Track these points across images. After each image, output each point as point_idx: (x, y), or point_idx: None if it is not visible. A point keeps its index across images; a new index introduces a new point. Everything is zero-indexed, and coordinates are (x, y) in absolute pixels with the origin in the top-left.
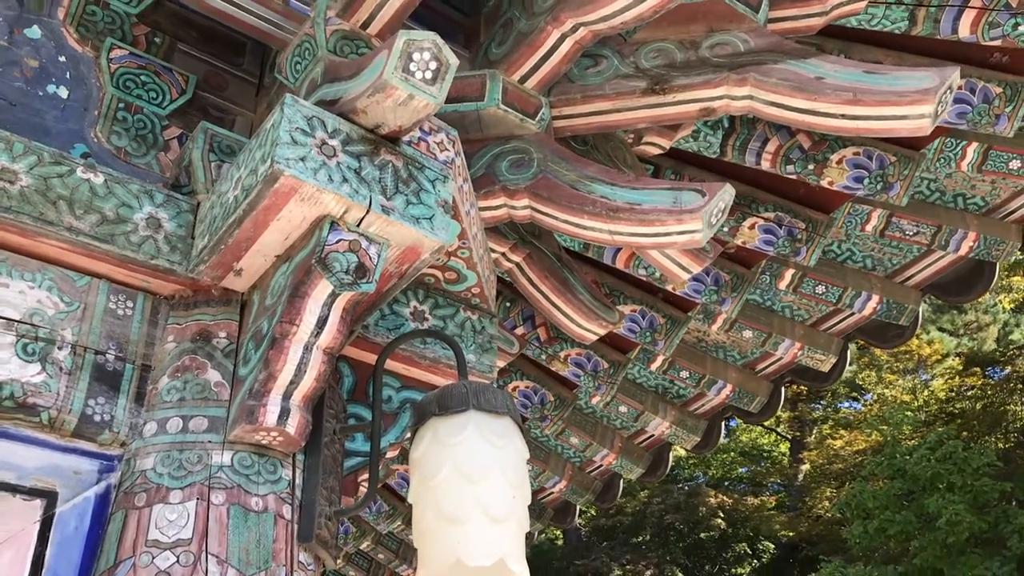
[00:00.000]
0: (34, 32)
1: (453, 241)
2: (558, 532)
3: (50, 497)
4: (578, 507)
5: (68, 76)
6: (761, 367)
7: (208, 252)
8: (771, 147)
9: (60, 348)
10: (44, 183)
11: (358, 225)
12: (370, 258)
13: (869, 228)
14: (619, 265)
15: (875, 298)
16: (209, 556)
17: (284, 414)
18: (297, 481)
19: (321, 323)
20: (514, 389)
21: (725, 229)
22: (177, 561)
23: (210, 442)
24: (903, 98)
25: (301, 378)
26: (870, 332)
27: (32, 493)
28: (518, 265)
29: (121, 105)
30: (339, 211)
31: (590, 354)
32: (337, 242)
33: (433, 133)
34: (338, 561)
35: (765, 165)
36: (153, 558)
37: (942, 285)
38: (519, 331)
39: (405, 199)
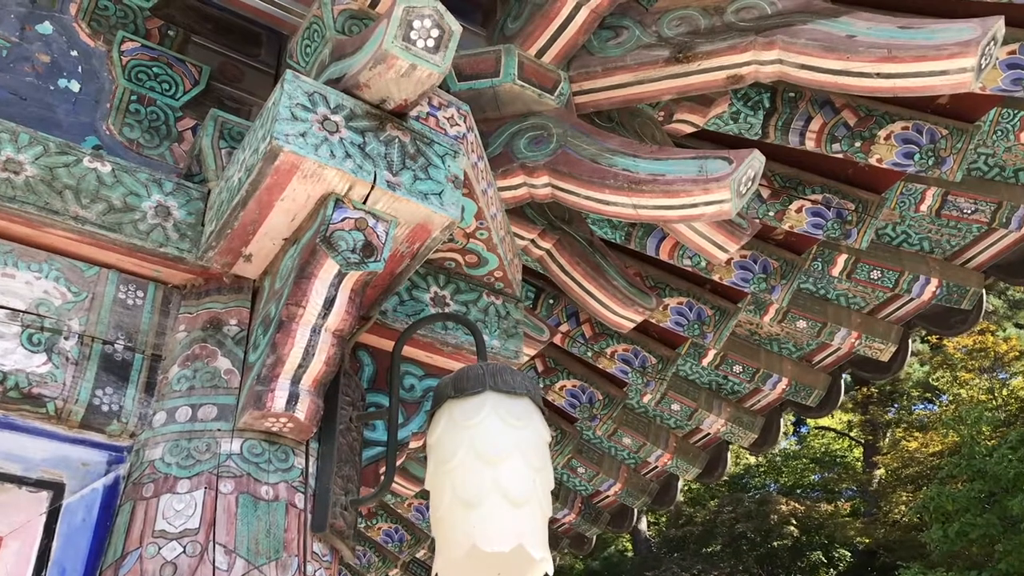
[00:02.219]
0: (45, 28)
1: (469, 222)
2: (628, 544)
3: (57, 489)
4: (639, 514)
5: (80, 70)
6: (818, 359)
7: (215, 237)
8: (815, 125)
9: (67, 338)
10: (50, 173)
11: (364, 202)
12: (377, 236)
13: (924, 208)
14: (663, 256)
15: (934, 282)
16: (216, 546)
17: (293, 399)
18: (311, 470)
19: (328, 304)
20: (561, 388)
21: (771, 214)
22: (184, 551)
23: (219, 430)
24: (941, 52)
25: (310, 361)
26: (932, 319)
27: (39, 485)
28: (548, 252)
29: (134, 98)
30: (343, 188)
31: (637, 350)
32: (342, 220)
33: (443, 108)
34: (393, 571)
35: (810, 145)
36: (160, 549)
37: (1006, 266)
38: (563, 328)
39: (412, 174)
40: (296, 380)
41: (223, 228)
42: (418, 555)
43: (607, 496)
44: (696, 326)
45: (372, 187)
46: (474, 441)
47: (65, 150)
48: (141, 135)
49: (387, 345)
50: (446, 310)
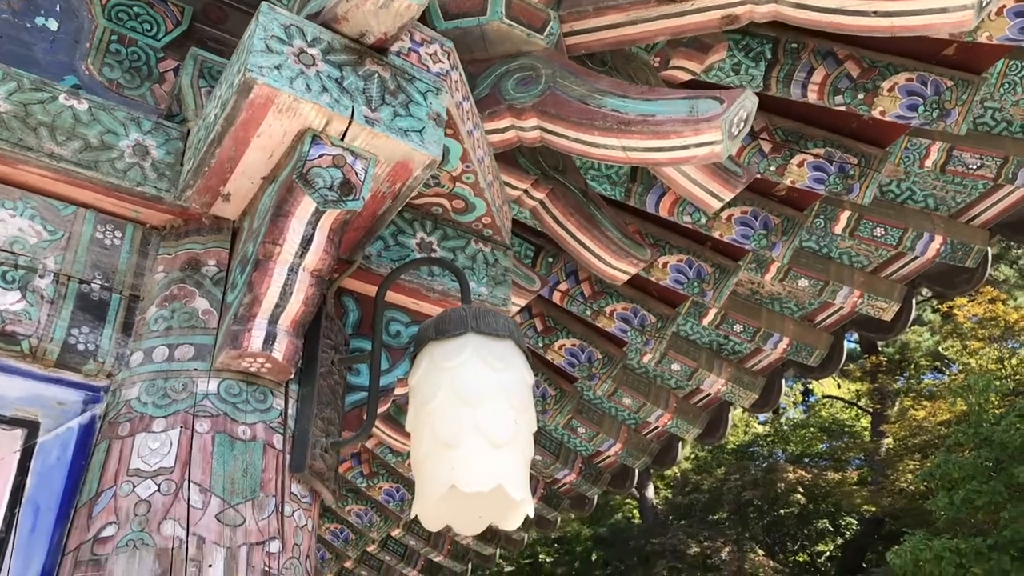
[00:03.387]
0: None
1: (455, 165)
2: (635, 511)
3: (31, 427)
4: (646, 480)
5: (58, 8)
6: (820, 318)
7: (193, 175)
8: (817, 77)
9: (42, 276)
10: (24, 109)
11: (342, 139)
12: (356, 174)
13: (928, 163)
14: (662, 212)
15: (938, 239)
16: (192, 485)
17: (270, 339)
18: (290, 411)
19: (306, 243)
20: (560, 347)
21: (772, 168)
22: (158, 490)
23: (196, 370)
24: None
25: (287, 301)
26: (936, 278)
27: (12, 423)
28: (541, 202)
29: (114, 37)
30: (320, 123)
31: (636, 308)
32: (319, 157)
33: (425, 44)
34: (395, 530)
35: (812, 97)
36: (134, 487)
37: (1012, 224)
38: (562, 286)
39: (392, 111)
40: (273, 320)
41: (200, 166)
42: (393, 534)
43: (607, 456)
44: (696, 284)
45: (350, 122)
46: (454, 382)
47: (40, 86)
48: (121, 75)
49: (372, 291)
50: (433, 256)
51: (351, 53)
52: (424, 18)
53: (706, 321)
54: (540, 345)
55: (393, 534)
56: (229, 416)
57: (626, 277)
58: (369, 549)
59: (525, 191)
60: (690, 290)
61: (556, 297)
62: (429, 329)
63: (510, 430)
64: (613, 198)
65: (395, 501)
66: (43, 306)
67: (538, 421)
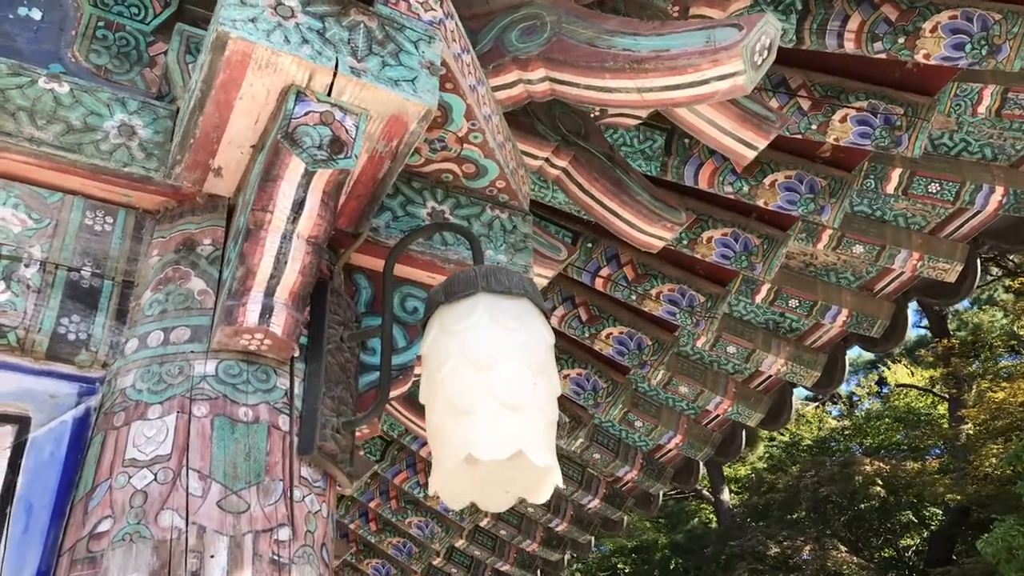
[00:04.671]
0: None
1: (459, 123)
2: (711, 515)
3: (22, 422)
4: (720, 483)
5: None
6: (879, 286)
7: (179, 149)
8: (853, 24)
9: (27, 266)
10: (1, 95)
11: (328, 94)
12: (346, 130)
13: (982, 109)
14: (702, 184)
15: (999, 191)
16: (190, 471)
17: (267, 312)
18: (296, 391)
19: (298, 207)
20: (607, 336)
21: (814, 127)
22: (155, 479)
23: (192, 352)
24: None
25: (282, 271)
26: (1000, 233)
27: (2, 419)
28: (564, 170)
29: (100, 23)
30: (303, 78)
31: (684, 289)
32: (306, 114)
33: None
34: (458, 541)
35: (849, 47)
36: (130, 478)
37: None
38: (604, 272)
39: (381, 60)
40: (269, 292)
41: (185, 137)
42: (481, 523)
43: (668, 450)
44: (744, 257)
45: (335, 75)
46: (465, 345)
47: (18, 71)
48: (109, 61)
49: (375, 265)
50: (441, 223)
51: (333, 3)
52: None
53: (759, 298)
54: (586, 335)
55: (457, 544)
56: (229, 398)
57: (661, 243)
58: (435, 562)
59: (546, 159)
60: (738, 264)
61: (598, 284)
62: (438, 293)
63: (528, 392)
64: (650, 174)
65: (454, 512)
66: (29, 296)
67: (592, 417)
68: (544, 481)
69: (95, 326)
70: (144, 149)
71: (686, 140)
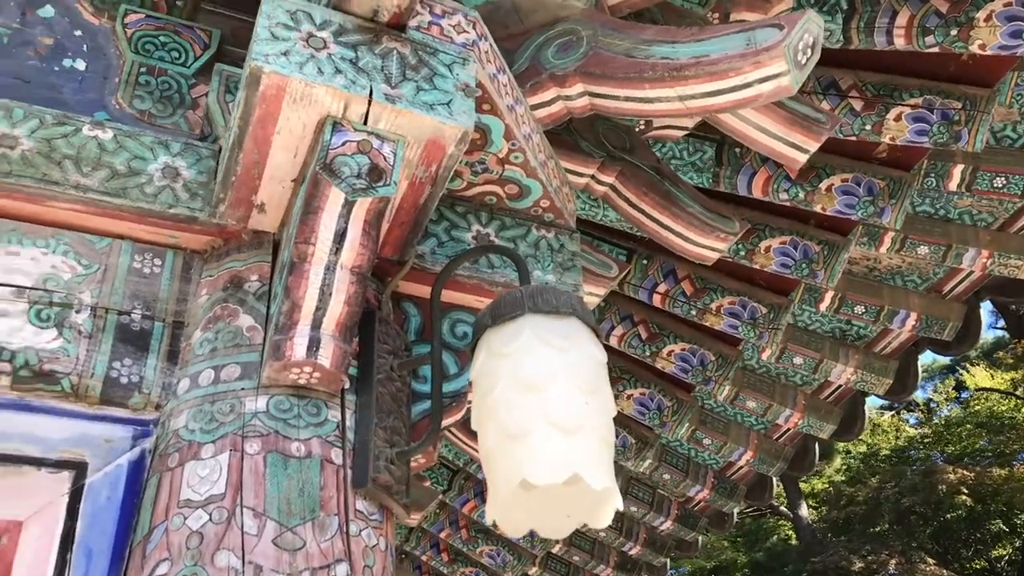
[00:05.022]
0: (47, 11)
1: (499, 145)
2: (790, 532)
3: (79, 468)
4: (799, 499)
5: (84, 49)
6: (948, 288)
7: (221, 187)
8: (902, 20)
9: (78, 311)
10: (47, 145)
11: (364, 123)
12: (384, 158)
13: None
14: (756, 192)
15: None
16: (244, 510)
17: (314, 345)
18: (348, 423)
19: (339, 238)
20: (669, 354)
21: (868, 127)
22: (210, 519)
23: (243, 389)
24: None
25: (327, 303)
26: None
27: (59, 465)
28: (611, 186)
29: (143, 69)
30: (338, 108)
31: (745, 301)
32: (343, 144)
33: (447, 16)
34: (532, 570)
35: (899, 43)
36: (185, 519)
37: None
38: (661, 288)
39: (415, 85)
40: (316, 325)
41: (227, 175)
42: (553, 550)
43: (740, 467)
44: (804, 265)
45: (369, 103)
46: (515, 368)
47: (63, 121)
48: (153, 106)
49: (425, 292)
50: (485, 245)
51: (365, 32)
52: None
53: (823, 306)
54: (647, 354)
55: (530, 573)
56: (280, 433)
57: (715, 255)
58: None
59: (592, 176)
60: (798, 273)
61: (656, 300)
62: (485, 316)
63: (580, 414)
64: (702, 186)
65: (526, 538)
66: (81, 341)
67: (659, 437)
68: (604, 504)
69: (147, 368)
70: (188, 190)
71: (737, 149)
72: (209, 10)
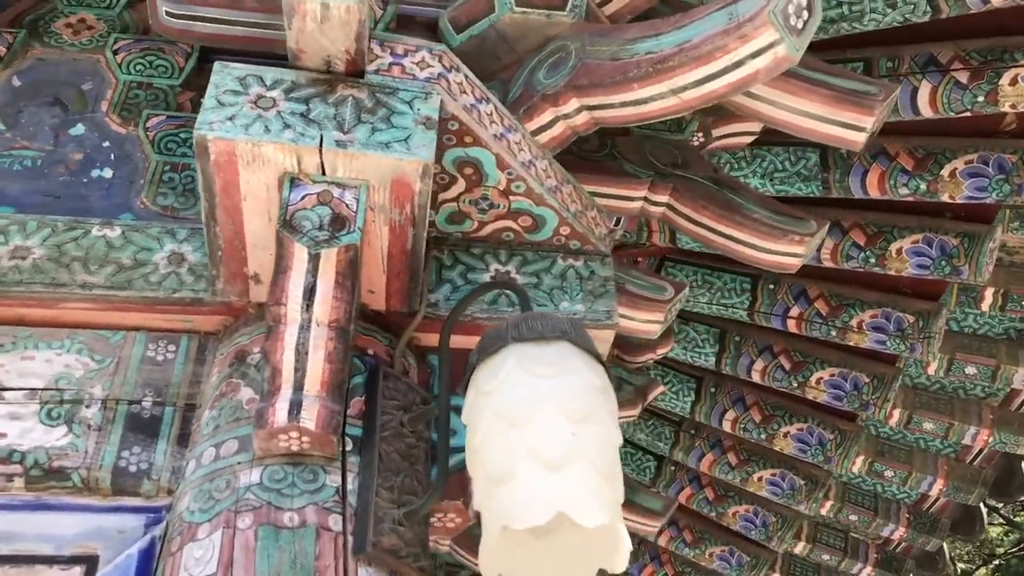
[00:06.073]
0: (78, 130)
1: (495, 177)
2: None
3: (90, 562)
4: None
5: (112, 157)
6: None
7: (212, 264)
8: None
9: (88, 406)
10: (57, 250)
11: (323, 173)
12: (346, 205)
13: None
14: (871, 191)
15: None
16: None
17: (295, 408)
18: (350, 486)
19: (309, 294)
20: (818, 382)
21: (980, 99)
22: None
23: (239, 463)
24: None
25: (305, 362)
26: None
27: (71, 561)
28: (667, 205)
29: (167, 167)
30: (292, 163)
31: (888, 312)
32: (303, 199)
33: (409, 54)
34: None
35: (997, 1)
36: None
37: None
38: (794, 312)
39: (370, 127)
40: (298, 387)
41: (212, 250)
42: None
43: (934, 498)
44: (943, 263)
45: (321, 152)
46: (496, 404)
47: (73, 226)
48: (175, 200)
49: (454, 342)
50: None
51: (319, 85)
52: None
53: (985, 306)
54: (794, 385)
55: None
56: (273, 504)
57: (796, 261)
58: None
59: (644, 199)
60: (939, 272)
61: (791, 326)
62: (473, 355)
63: (567, 445)
64: (812, 196)
65: (757, 527)
66: (90, 435)
67: (829, 475)
68: (611, 543)
69: (156, 454)
70: (193, 272)
71: (843, 150)
72: None
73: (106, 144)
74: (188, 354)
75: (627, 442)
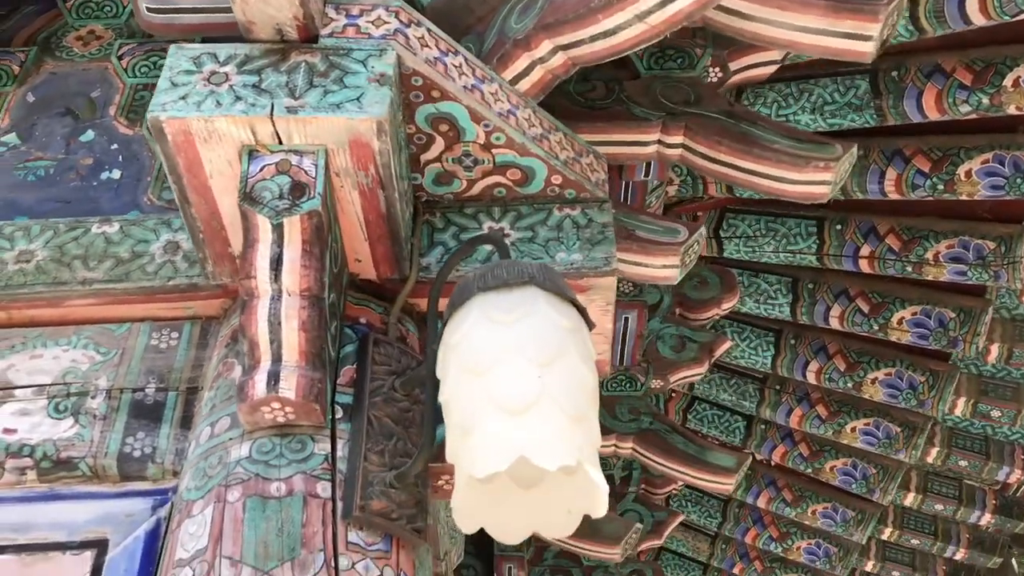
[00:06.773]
0: (88, 136)
1: (472, 132)
2: None
3: (100, 546)
4: None
5: (120, 159)
6: None
7: (197, 246)
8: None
9: (93, 397)
10: (59, 251)
11: (280, 143)
12: (305, 172)
13: None
14: (930, 113)
15: None
16: (222, 560)
17: (272, 379)
18: (340, 453)
19: (276, 263)
20: (900, 322)
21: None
22: (194, 575)
23: (230, 439)
24: None
25: (279, 332)
26: None
27: (82, 546)
28: (683, 146)
29: None
30: (247, 135)
31: (965, 240)
32: (261, 170)
33: (365, 14)
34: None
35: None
36: None
37: None
38: (865, 251)
39: (322, 90)
40: (276, 358)
41: (194, 232)
42: (867, 567)
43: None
44: (1020, 181)
45: (272, 120)
46: (461, 356)
47: (74, 226)
48: None
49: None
50: (507, 242)
51: (272, 55)
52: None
53: None
54: (875, 328)
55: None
56: (261, 476)
57: (824, 189)
58: None
59: (658, 141)
60: (1016, 191)
61: (864, 266)
62: (446, 311)
63: (531, 389)
64: (868, 126)
65: (836, 524)
66: (96, 425)
67: (927, 419)
68: (586, 486)
69: (160, 438)
70: (188, 259)
71: (893, 72)
72: None
73: (114, 147)
74: (191, 340)
75: (713, 403)
